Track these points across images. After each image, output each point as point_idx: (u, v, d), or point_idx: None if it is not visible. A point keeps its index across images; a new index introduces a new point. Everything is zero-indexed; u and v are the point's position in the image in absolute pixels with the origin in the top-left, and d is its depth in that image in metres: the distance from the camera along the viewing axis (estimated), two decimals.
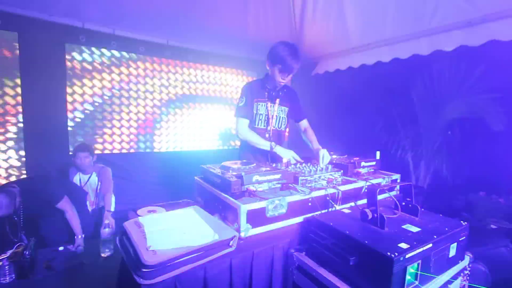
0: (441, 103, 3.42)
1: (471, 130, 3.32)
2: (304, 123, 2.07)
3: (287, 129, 2.08)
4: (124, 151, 3.58)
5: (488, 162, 3.17)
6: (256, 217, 1.07)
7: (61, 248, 2.13)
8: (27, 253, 1.75)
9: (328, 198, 1.26)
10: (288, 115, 2.01)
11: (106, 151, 3.50)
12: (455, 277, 1.08)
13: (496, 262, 1.47)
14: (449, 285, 1.03)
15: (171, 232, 0.92)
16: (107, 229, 2.08)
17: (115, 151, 3.53)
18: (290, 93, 2.02)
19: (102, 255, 2.05)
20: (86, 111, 3.32)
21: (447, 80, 3.30)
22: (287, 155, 1.67)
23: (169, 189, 3.56)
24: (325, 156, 1.58)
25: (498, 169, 3.13)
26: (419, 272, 0.88)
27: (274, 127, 1.90)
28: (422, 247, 0.88)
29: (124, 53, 3.50)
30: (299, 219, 1.21)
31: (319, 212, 1.19)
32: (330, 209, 1.26)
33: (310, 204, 1.22)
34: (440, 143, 3.56)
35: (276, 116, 1.90)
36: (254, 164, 1.36)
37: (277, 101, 1.90)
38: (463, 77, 3.15)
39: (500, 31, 2.25)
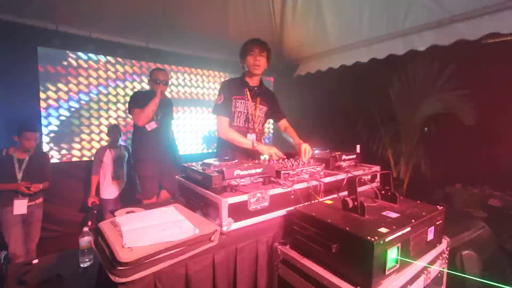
0: (417, 101, 3.56)
1: (446, 126, 3.48)
2: (284, 123, 2.10)
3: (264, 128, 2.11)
4: None
5: (463, 155, 3.34)
6: (238, 211, 1.06)
7: (35, 261, 2.00)
8: None
9: (310, 190, 1.27)
10: (267, 114, 2.02)
11: (85, 158, 3.36)
12: (434, 261, 1.11)
13: (478, 245, 1.55)
14: (428, 268, 1.06)
15: (149, 229, 0.89)
16: (86, 238, 1.99)
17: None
18: (269, 93, 2.05)
19: (81, 265, 1.95)
20: (61, 117, 3.19)
21: (421, 78, 3.45)
22: (269, 151, 1.67)
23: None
24: (307, 149, 1.60)
25: (472, 161, 3.29)
26: (399, 256, 0.90)
27: (253, 125, 1.90)
28: (401, 230, 0.90)
29: (101, 57, 3.41)
30: (282, 212, 1.20)
31: (302, 205, 1.19)
32: (312, 201, 1.26)
33: (292, 197, 1.23)
34: (417, 139, 3.71)
35: (256, 114, 1.90)
36: (236, 160, 1.34)
37: (258, 99, 1.90)
38: (436, 75, 3.31)
39: (467, 31, 2.39)
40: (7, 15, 2.75)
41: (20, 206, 2.49)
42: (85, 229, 2.21)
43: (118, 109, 3.55)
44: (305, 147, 1.61)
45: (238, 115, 1.85)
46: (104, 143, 3.43)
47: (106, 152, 3.17)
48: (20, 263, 1.97)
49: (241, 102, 1.85)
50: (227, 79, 2.04)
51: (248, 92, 1.86)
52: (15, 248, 2.45)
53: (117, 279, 0.72)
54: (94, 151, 3.37)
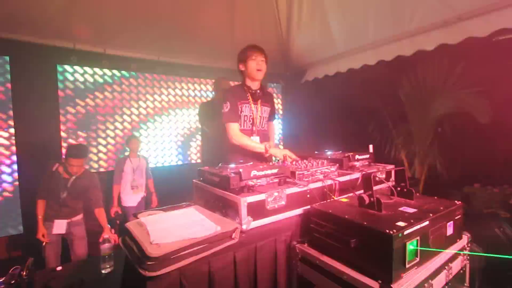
0: (428, 101, 3.53)
1: (460, 125, 3.42)
2: (272, 124, 2.21)
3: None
4: None
5: (480, 154, 3.25)
6: (257, 210, 1.09)
7: (59, 268, 2.07)
8: (24, 273, 1.69)
9: (325, 189, 1.29)
10: (269, 115, 2.11)
11: (102, 169, 3.47)
12: (455, 257, 1.10)
13: (490, 243, 1.50)
14: (450, 264, 1.05)
15: (173, 227, 0.93)
16: (107, 245, 2.04)
17: (110, 169, 3.50)
18: (269, 95, 2.13)
19: (103, 271, 2.00)
20: (79, 131, 3.33)
21: (431, 78, 3.43)
22: (282, 154, 1.70)
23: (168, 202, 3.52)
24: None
25: (490, 160, 3.20)
26: (419, 248, 0.90)
27: (258, 127, 1.97)
28: (419, 224, 0.91)
29: (116, 71, 3.56)
30: (298, 211, 1.22)
31: (318, 203, 1.21)
32: (328, 200, 1.28)
33: (308, 196, 1.25)
34: (431, 140, 3.65)
35: (260, 116, 1.97)
36: (252, 163, 1.38)
37: (259, 102, 1.97)
38: (446, 73, 3.28)
39: (476, 28, 2.38)
40: (30, 36, 2.92)
41: (59, 226, 2.53)
42: (106, 236, 2.27)
43: (132, 120, 3.67)
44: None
45: (244, 119, 1.93)
46: (119, 154, 3.55)
47: (126, 161, 3.28)
48: (45, 270, 2.04)
49: (245, 106, 1.93)
50: (229, 87, 2.10)
51: (250, 96, 1.94)
52: (49, 266, 2.46)
53: (147, 273, 0.76)
54: (110, 162, 3.48)
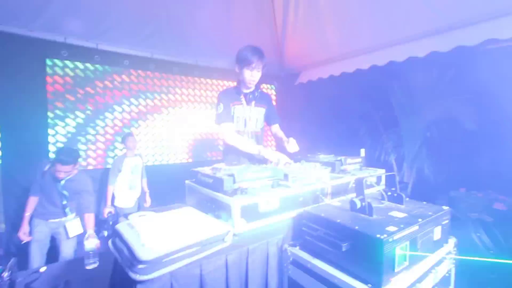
0: (418, 106, 3.60)
1: (448, 131, 3.50)
2: (276, 127, 2.19)
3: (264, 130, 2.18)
4: (108, 166, 3.44)
5: (466, 159, 3.34)
6: (250, 213, 1.09)
7: (43, 269, 2.01)
8: (5, 274, 1.64)
9: (318, 193, 1.30)
10: (265, 116, 2.11)
11: (90, 167, 3.40)
12: (441, 260, 1.13)
13: (464, 247, 1.52)
14: (436, 267, 1.07)
15: (165, 229, 0.92)
16: (90, 240, 2.00)
17: (99, 167, 3.43)
18: (265, 96, 2.13)
19: (87, 267, 1.96)
20: (68, 127, 3.24)
21: (422, 84, 3.50)
22: (275, 156, 1.70)
23: (158, 202, 3.48)
24: (294, 141, 1.83)
25: (475, 166, 3.30)
26: (408, 253, 0.92)
27: (251, 128, 1.98)
28: (409, 229, 0.93)
29: (108, 67, 3.49)
30: (291, 214, 1.23)
31: (310, 207, 1.22)
32: (320, 203, 1.29)
33: (301, 199, 1.25)
34: (420, 144, 3.73)
35: (253, 117, 1.98)
36: (245, 165, 1.38)
37: (253, 103, 1.98)
38: (436, 80, 3.36)
39: (466, 37, 2.45)
40: (18, 28, 2.83)
41: (74, 228, 2.49)
42: (90, 231, 2.21)
43: (123, 118, 3.61)
44: (292, 139, 1.83)
45: (237, 120, 1.95)
46: (110, 153, 3.47)
47: (125, 161, 3.17)
48: (27, 271, 1.98)
49: (239, 108, 1.94)
50: (222, 90, 2.11)
51: (243, 98, 1.95)
52: (33, 264, 2.41)
53: (138, 277, 0.75)
54: (99, 159, 3.41)
